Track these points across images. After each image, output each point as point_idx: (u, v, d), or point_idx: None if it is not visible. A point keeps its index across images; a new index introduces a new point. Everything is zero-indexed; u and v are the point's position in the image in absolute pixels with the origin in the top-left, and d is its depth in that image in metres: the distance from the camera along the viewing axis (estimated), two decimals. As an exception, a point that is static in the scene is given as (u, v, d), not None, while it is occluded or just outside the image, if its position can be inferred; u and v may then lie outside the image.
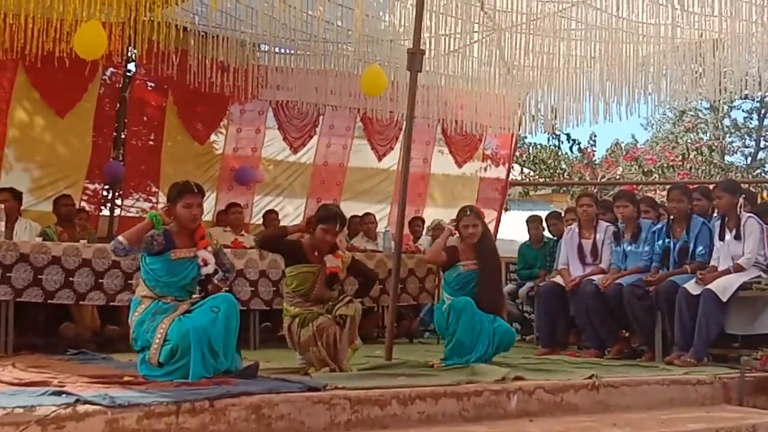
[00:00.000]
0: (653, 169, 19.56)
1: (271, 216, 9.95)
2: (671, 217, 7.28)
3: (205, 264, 5.06)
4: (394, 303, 6.55)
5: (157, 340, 4.73)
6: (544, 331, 7.90)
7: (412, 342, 9.14)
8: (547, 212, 10.34)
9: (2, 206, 7.42)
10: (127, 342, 5.10)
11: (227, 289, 6.65)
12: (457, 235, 6.45)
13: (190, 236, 5.07)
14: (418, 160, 11.52)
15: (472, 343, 6.01)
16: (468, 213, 6.35)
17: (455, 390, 4.70)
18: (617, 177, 20.20)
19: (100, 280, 7.00)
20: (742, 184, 8.21)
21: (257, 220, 10.41)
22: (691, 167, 20.57)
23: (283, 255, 5.92)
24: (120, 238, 4.83)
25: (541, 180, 19.54)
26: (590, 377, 5.28)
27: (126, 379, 4.70)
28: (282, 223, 10.18)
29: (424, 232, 10.43)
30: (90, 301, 7.07)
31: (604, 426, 4.63)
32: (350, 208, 10.22)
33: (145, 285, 4.97)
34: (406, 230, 9.73)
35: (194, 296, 5.07)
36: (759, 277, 6.56)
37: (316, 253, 5.81)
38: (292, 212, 10.92)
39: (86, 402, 3.74)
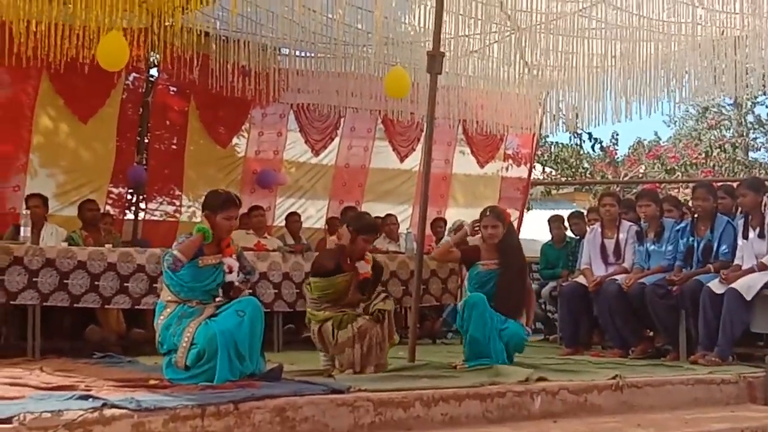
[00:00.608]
0: (676, 167, 19.45)
1: (293, 218, 9.99)
2: (695, 215, 7.24)
3: (231, 271, 5.12)
4: (417, 304, 6.57)
5: (184, 344, 4.77)
6: (567, 331, 7.88)
7: (435, 343, 9.15)
8: (569, 212, 10.31)
9: (29, 212, 7.51)
10: (152, 345, 5.14)
11: (250, 291, 6.72)
12: (477, 235, 6.45)
13: (217, 243, 5.12)
14: (440, 161, 11.52)
15: (485, 339, 5.98)
16: (488, 214, 6.32)
17: (478, 391, 4.71)
18: (640, 175, 20.13)
19: (125, 284, 7.05)
20: (766, 182, 8.15)
21: (280, 222, 10.45)
22: (714, 164, 20.42)
23: (325, 271, 5.89)
24: (176, 253, 4.83)
25: (563, 179, 19.48)
26: (614, 377, 5.27)
27: (152, 382, 4.73)
28: (305, 226, 10.25)
29: (446, 233, 10.41)
30: (115, 305, 7.13)
31: (628, 426, 4.62)
32: (372, 210, 10.22)
33: (170, 290, 5.01)
34: (428, 231, 9.74)
35: (218, 299, 5.11)
36: (783, 275, 6.50)
37: (348, 261, 5.88)
38: (315, 214, 10.95)
39: (113, 406, 3.78)
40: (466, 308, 6.09)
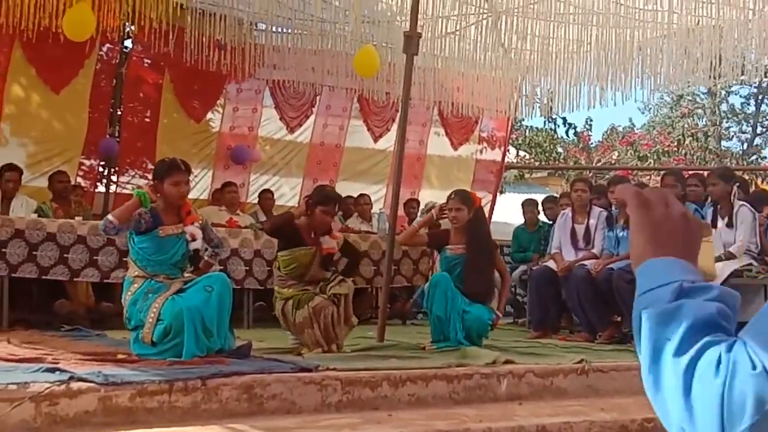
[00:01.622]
0: (649, 155, 19.58)
1: (266, 195, 9.97)
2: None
3: (193, 239, 5.10)
4: (387, 284, 6.59)
5: (150, 320, 4.77)
6: (535, 315, 7.94)
7: (405, 324, 9.18)
8: (542, 196, 10.35)
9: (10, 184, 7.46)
10: (121, 319, 5.13)
11: (221, 267, 6.72)
12: (444, 218, 6.47)
13: (177, 213, 5.11)
14: (415, 141, 11.52)
15: (446, 318, 6.01)
16: (453, 197, 6.33)
17: (445, 372, 4.75)
18: (613, 162, 20.24)
19: (94, 257, 7.02)
20: (737, 172, 8.23)
21: (253, 199, 10.41)
22: (686, 153, 20.59)
23: (283, 240, 5.93)
24: (110, 217, 4.86)
25: (537, 163, 19.57)
26: (580, 362, 5.33)
27: (119, 357, 4.74)
28: (278, 203, 10.22)
29: (419, 214, 10.44)
30: (84, 278, 7.10)
31: (592, 410, 4.67)
32: (347, 189, 10.23)
33: (136, 265, 5.00)
34: (401, 212, 9.75)
35: (186, 274, 5.10)
36: (750, 265, 6.60)
37: (312, 235, 5.84)
38: (288, 192, 10.93)
39: (80, 379, 3.78)
40: (430, 287, 6.14)
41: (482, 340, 6.16)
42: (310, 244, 5.82)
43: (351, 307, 5.78)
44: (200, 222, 5.23)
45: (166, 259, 4.99)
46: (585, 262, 7.50)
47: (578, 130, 19.52)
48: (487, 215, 11.33)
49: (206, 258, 5.41)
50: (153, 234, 4.95)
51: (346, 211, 10.00)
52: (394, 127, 10.89)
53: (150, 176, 9.80)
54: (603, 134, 22.84)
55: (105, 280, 7.12)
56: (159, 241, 4.97)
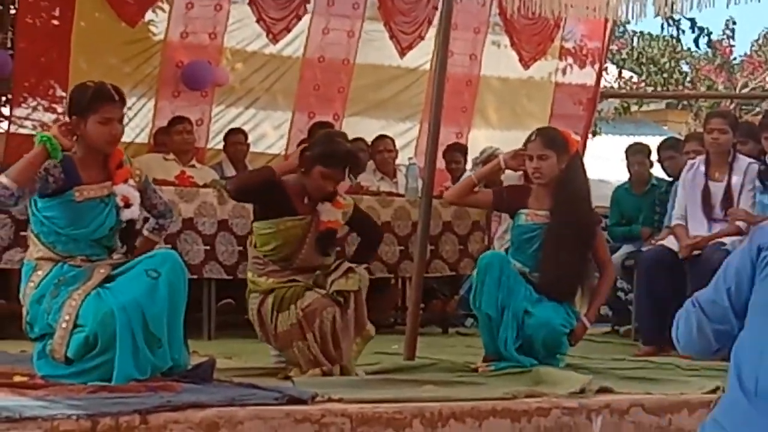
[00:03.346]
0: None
1: (236, 138, 9.97)
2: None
3: (127, 204, 5.09)
4: (420, 274, 6.59)
5: (64, 325, 4.78)
6: (646, 321, 7.95)
7: (446, 332, 9.21)
8: (659, 139, 10.30)
9: None
10: (18, 324, 5.17)
11: (169, 246, 6.74)
12: (520, 170, 6.46)
13: (103, 165, 5.11)
14: (463, 56, 11.46)
15: (498, 316, 6.03)
16: (534, 138, 6.30)
17: (509, 406, 4.76)
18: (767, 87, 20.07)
19: (-23, 232, 7.08)
20: None
21: (216, 144, 10.42)
22: None
23: (260, 205, 5.94)
24: (4, 179, 4.78)
25: (650, 89, 19.44)
26: (714, 391, 5.34)
27: (17, 379, 4.77)
28: (255, 150, 10.22)
29: (468, 167, 10.42)
30: (-37, 263, 7.16)
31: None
32: (358, 128, 10.21)
33: (40, 242, 5.00)
34: (441, 163, 9.73)
35: (116, 256, 5.12)
36: None
37: (305, 201, 5.85)
38: (271, 133, 10.92)
39: (-42, 413, 3.81)
40: (478, 273, 6.13)
41: (556, 358, 6.18)
42: (302, 213, 5.82)
43: (364, 310, 5.78)
44: (137, 179, 5.23)
45: (86, 234, 5.01)
46: (724, 240, 7.48)
47: (713, 38, 19.34)
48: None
49: (146, 233, 5.43)
50: (66, 197, 4.95)
51: (358, 163, 10.00)
52: (431, 34, 10.84)
53: (61, 109, 9.91)
54: (752, 45, 22.63)
55: (-6, 266, 7.17)
56: (74, 208, 4.97)
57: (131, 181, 5.16)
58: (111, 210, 5.08)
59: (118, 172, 5.14)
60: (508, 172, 6.90)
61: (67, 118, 5.17)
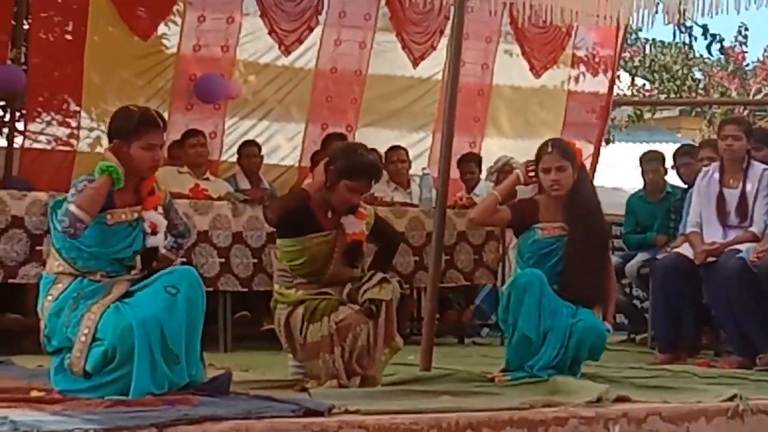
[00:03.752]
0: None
1: (250, 151, 9.98)
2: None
3: (154, 231, 5.09)
4: (435, 284, 6.58)
5: (83, 339, 4.78)
6: (662, 328, 7.94)
7: (462, 342, 9.21)
8: (673, 146, 10.28)
9: None
10: (35, 339, 5.16)
11: (184, 260, 6.75)
12: (533, 183, 6.44)
13: (135, 190, 5.11)
14: (475, 65, 11.48)
15: (540, 339, 6.02)
16: (550, 150, 6.28)
17: (526, 416, 4.74)
18: (781, 92, 20.04)
19: (-7, 245, 7.10)
20: None
21: (230, 156, 10.44)
22: None
23: (289, 225, 5.87)
24: (75, 211, 4.78)
25: (663, 97, 19.41)
26: (731, 398, 5.31)
27: (34, 394, 4.76)
28: (268, 162, 10.22)
29: (483, 177, 10.42)
30: (-21, 278, 7.18)
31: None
32: (372, 139, 10.20)
33: (61, 257, 5.00)
34: (455, 173, 9.73)
35: (133, 272, 5.12)
36: None
37: (329, 215, 5.86)
38: (284, 145, 10.94)
39: (-25, 429, 3.82)
40: (513, 291, 6.10)
41: (579, 367, 6.19)
42: (327, 229, 5.83)
43: (395, 321, 5.81)
44: (164, 202, 5.24)
45: (108, 253, 5.01)
46: (740, 247, 7.46)
47: (726, 44, 19.31)
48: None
49: (164, 251, 5.42)
50: (98, 219, 4.93)
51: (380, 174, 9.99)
52: (444, 44, 10.85)
53: (75, 124, 9.95)
54: (765, 51, 22.58)
55: (10, 280, 7.19)
56: (104, 230, 4.96)
57: (160, 209, 5.18)
58: (138, 234, 5.08)
59: (150, 198, 5.14)
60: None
61: (107, 141, 5.17)
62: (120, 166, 4.94)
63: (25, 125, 9.93)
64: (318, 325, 5.61)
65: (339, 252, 5.81)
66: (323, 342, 5.59)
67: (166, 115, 10.13)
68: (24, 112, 9.93)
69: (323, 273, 5.79)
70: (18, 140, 9.90)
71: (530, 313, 5.99)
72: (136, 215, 5.08)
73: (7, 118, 9.99)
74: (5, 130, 9.96)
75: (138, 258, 5.15)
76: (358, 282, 5.77)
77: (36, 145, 9.86)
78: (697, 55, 19.88)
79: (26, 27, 9.93)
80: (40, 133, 9.93)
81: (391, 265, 6.70)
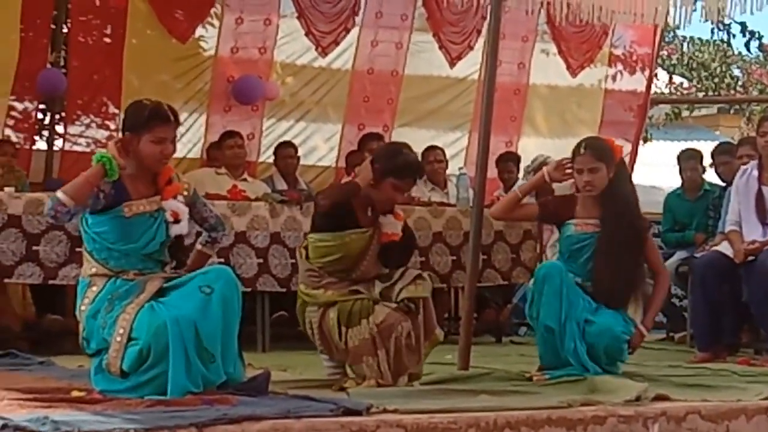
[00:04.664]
0: None
1: (287, 152, 9.99)
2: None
3: (176, 219, 5.09)
4: (473, 283, 6.58)
5: (119, 339, 4.80)
6: (701, 327, 7.89)
7: (500, 341, 9.19)
8: (711, 144, 10.22)
9: None
10: (75, 339, 5.19)
11: (221, 260, 6.76)
12: (566, 180, 6.43)
13: (152, 181, 5.14)
14: (511, 65, 11.47)
15: (561, 329, 6.01)
16: (583, 150, 6.25)
17: (565, 415, 4.73)
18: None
19: (34, 247, 7.13)
20: None
21: (267, 157, 10.46)
22: None
23: (329, 218, 5.84)
24: (60, 195, 4.83)
25: (702, 95, 19.30)
26: (772, 397, 5.30)
27: (75, 394, 4.79)
28: (305, 164, 10.25)
29: (520, 176, 10.40)
30: (20, 279, 7.22)
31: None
32: (409, 139, 10.14)
33: (93, 259, 5.03)
34: (492, 172, 9.71)
35: (167, 269, 5.14)
36: None
37: (368, 213, 5.86)
38: (321, 145, 10.96)
39: (16, 428, 3.84)
40: (535, 284, 6.15)
41: (617, 366, 6.16)
42: (365, 226, 5.83)
43: (433, 314, 5.83)
44: (185, 193, 5.25)
45: (136, 249, 5.02)
46: (779, 245, 7.43)
47: (765, 41, 19.18)
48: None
49: (199, 247, 5.44)
50: (115, 212, 4.96)
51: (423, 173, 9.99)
52: (480, 44, 10.84)
53: (114, 126, 9.99)
54: (804, 48, 22.43)
55: (50, 281, 7.22)
56: (124, 223, 4.99)
57: (180, 197, 5.18)
58: (161, 225, 5.10)
59: (168, 188, 5.15)
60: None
61: (120, 134, 5.21)
62: (117, 158, 4.93)
63: (65, 128, 10.00)
64: (357, 329, 5.60)
65: (374, 250, 5.81)
66: (365, 345, 5.58)
67: (204, 117, 10.28)
68: (64, 114, 10.00)
69: (355, 270, 5.78)
70: (58, 143, 9.98)
71: (550, 303, 6.02)
72: (155, 206, 5.09)
73: (47, 121, 10.03)
74: (45, 133, 10.00)
75: (168, 252, 5.16)
76: (388, 279, 5.78)
77: (75, 148, 9.93)
78: (736, 52, 19.74)
79: (65, 31, 10.01)
80: (80, 135, 10.01)
81: (409, 257, 6.65)
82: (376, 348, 5.57)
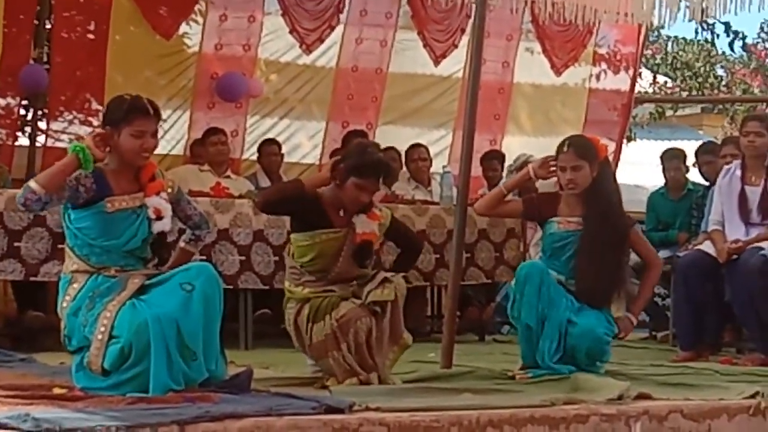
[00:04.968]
0: None
1: (271, 149, 9.99)
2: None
3: (158, 216, 5.09)
4: (457, 282, 6.57)
5: (100, 336, 4.79)
6: (684, 326, 7.91)
7: (483, 340, 9.19)
8: (695, 143, 10.24)
9: None
10: (57, 335, 5.19)
11: (203, 257, 6.75)
12: (550, 178, 6.44)
13: (135, 177, 5.13)
14: (496, 63, 11.46)
15: (540, 328, 6.03)
16: (566, 149, 6.26)
17: (547, 413, 4.74)
18: (803, 90, 19.94)
19: (15, 244, 7.11)
20: None
21: (251, 154, 10.45)
22: None
23: (294, 218, 5.93)
24: (32, 183, 4.85)
25: (685, 94, 19.33)
26: (753, 396, 5.31)
27: (56, 391, 4.78)
28: (289, 160, 10.23)
29: (504, 174, 10.41)
30: (2, 275, 7.21)
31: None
32: (393, 137, 10.22)
33: (75, 255, 5.02)
34: (476, 171, 9.72)
35: (149, 266, 5.14)
36: None
37: (341, 213, 5.85)
38: (306, 143, 10.95)
39: (-3, 425, 3.83)
40: (516, 284, 6.16)
41: (598, 366, 6.16)
42: (338, 226, 5.82)
43: (401, 319, 5.78)
44: (170, 190, 5.24)
45: (118, 245, 5.02)
46: (762, 245, 7.44)
47: (749, 41, 19.23)
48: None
49: (182, 245, 5.43)
50: (97, 208, 4.97)
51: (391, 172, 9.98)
52: (465, 42, 10.84)
53: (97, 122, 9.95)
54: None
55: (31, 278, 7.20)
56: (106, 219, 4.99)
57: (163, 194, 5.17)
58: (143, 221, 5.09)
59: (151, 184, 5.14)
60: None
61: (96, 131, 5.20)
62: (93, 149, 4.92)
63: (48, 124, 9.97)
64: (321, 324, 5.62)
65: (348, 250, 5.80)
66: (328, 341, 5.60)
67: (187, 114, 10.26)
68: (46, 111, 9.97)
69: (330, 270, 5.78)
70: (40, 139, 9.94)
71: (530, 302, 6.04)
72: (138, 202, 5.09)
73: (30, 117, 10.00)
74: (28, 129, 9.97)
75: (150, 249, 5.15)
76: (362, 280, 5.77)
77: (58, 144, 9.88)
78: (720, 52, 19.80)
79: (49, 27, 9.97)
80: (62, 131, 9.98)
81: (412, 267, 6.68)
82: (339, 343, 5.57)
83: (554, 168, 6.34)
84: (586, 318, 6.08)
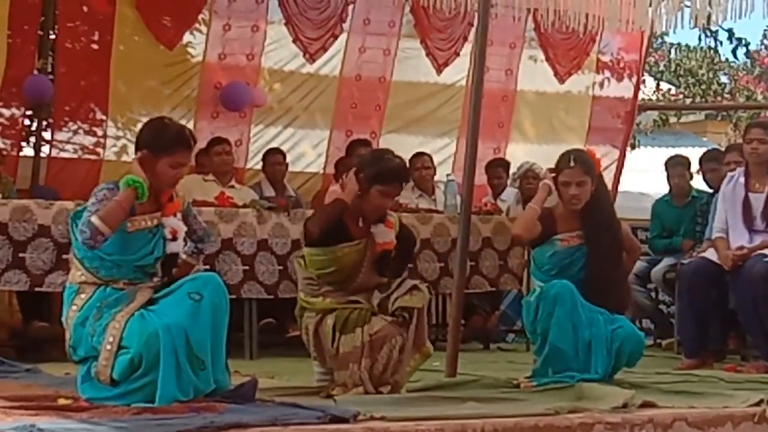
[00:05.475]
0: None
1: (275, 158, 9.98)
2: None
3: (174, 237, 5.10)
4: (461, 290, 6.57)
5: (108, 347, 4.79)
6: (688, 333, 7.90)
7: (487, 348, 9.20)
8: (699, 150, 10.24)
9: None
10: (62, 346, 5.18)
11: (207, 267, 6.76)
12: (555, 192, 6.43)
13: (155, 197, 5.11)
14: (499, 71, 11.46)
15: (572, 350, 6.03)
16: (572, 163, 6.24)
17: (552, 422, 4.74)
18: (807, 96, 19.92)
19: (20, 254, 7.12)
20: None
21: (255, 164, 10.46)
22: None
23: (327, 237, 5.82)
24: (96, 221, 4.79)
25: (689, 101, 19.32)
26: (758, 403, 5.32)
27: (62, 402, 4.78)
28: (293, 170, 10.23)
29: (508, 183, 10.41)
30: (7, 286, 7.22)
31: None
32: (395, 145, 10.17)
33: (83, 267, 5.01)
34: (481, 179, 9.72)
35: (155, 279, 5.14)
36: None
37: (360, 223, 5.84)
38: (309, 152, 10.94)
39: (3, 437, 3.83)
40: (543, 303, 6.11)
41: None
42: (357, 237, 5.81)
43: (425, 327, 5.83)
44: (183, 208, 5.25)
45: (130, 261, 5.02)
46: (766, 252, 7.44)
47: (752, 48, 19.23)
48: (612, 181, 11.26)
49: (184, 257, 5.42)
50: (119, 228, 4.97)
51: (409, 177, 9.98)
52: (468, 50, 10.84)
53: (101, 132, 9.98)
54: (791, 54, 22.51)
55: (36, 288, 7.21)
56: (124, 237, 4.98)
57: (179, 215, 5.18)
58: (159, 240, 5.09)
59: (169, 205, 5.15)
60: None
61: (134, 149, 5.17)
62: (146, 181, 4.95)
63: (52, 134, 9.98)
64: (351, 336, 5.60)
65: (369, 261, 5.79)
66: (355, 353, 5.58)
67: (191, 124, 10.25)
68: (51, 121, 9.97)
69: (352, 281, 5.77)
70: (45, 149, 9.94)
71: (562, 325, 6.02)
72: (156, 222, 5.09)
73: (34, 127, 10.00)
74: (32, 140, 9.97)
75: (158, 265, 5.16)
76: (387, 289, 5.76)
77: (62, 154, 9.91)
78: (723, 59, 19.81)
79: (53, 37, 9.98)
80: (67, 142, 9.99)
81: (408, 262, 6.63)
82: (363, 356, 5.57)
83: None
84: (624, 321, 6.19)
